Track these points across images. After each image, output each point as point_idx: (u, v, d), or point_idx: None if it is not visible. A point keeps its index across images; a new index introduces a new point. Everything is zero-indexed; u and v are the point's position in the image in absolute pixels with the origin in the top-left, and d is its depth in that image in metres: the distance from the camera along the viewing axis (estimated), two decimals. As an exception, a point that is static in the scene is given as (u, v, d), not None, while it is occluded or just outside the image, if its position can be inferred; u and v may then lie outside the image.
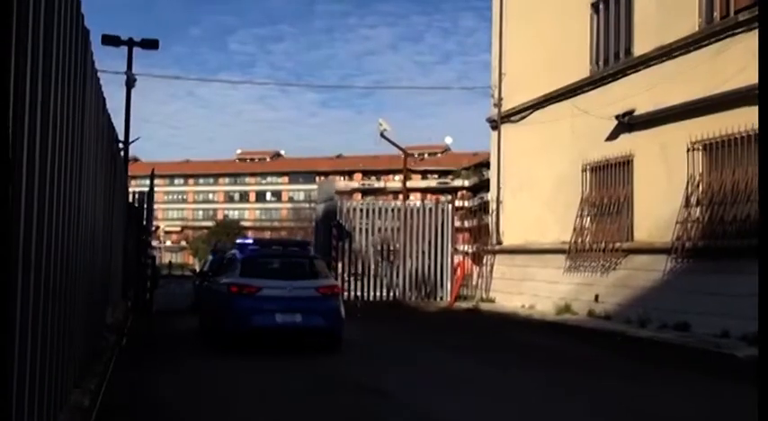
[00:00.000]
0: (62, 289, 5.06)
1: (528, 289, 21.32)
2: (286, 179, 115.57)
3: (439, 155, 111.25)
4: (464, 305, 22.56)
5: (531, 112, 23.02)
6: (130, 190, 20.13)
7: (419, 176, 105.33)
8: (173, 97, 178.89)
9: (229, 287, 12.12)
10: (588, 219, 19.45)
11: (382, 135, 31.14)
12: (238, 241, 14.61)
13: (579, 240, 19.50)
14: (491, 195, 25.46)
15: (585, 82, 20.21)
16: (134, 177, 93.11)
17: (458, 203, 28.19)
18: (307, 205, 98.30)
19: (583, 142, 19.95)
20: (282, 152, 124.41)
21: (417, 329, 16.44)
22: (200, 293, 16.16)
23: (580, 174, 19.91)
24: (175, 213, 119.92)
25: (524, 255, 22.27)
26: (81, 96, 5.79)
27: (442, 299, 23.21)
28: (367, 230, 23.51)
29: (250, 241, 14.21)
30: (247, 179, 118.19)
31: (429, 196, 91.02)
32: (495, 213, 24.56)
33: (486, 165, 73.98)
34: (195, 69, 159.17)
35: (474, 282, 24.78)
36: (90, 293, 7.44)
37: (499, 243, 24.18)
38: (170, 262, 61.19)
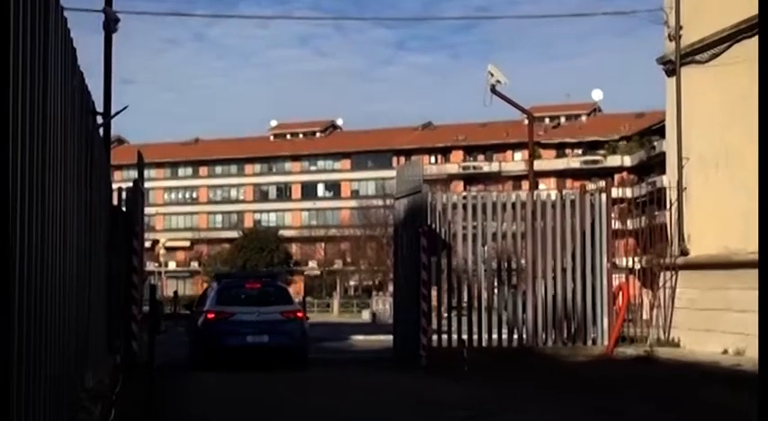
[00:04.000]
0: (24, 344, 5.18)
1: (732, 324, 20.88)
2: (347, 163, 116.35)
3: (583, 118, 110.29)
4: (630, 351, 22.23)
5: (729, 47, 22.55)
6: (115, 186, 20.55)
7: (553, 152, 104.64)
8: (172, 44, 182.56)
9: (207, 314, 21.84)
10: (827, 211, 18.92)
11: (493, 90, 30.95)
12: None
13: (813, 246, 18.98)
14: (668, 179, 25.03)
15: (816, -6, 19.65)
16: (119, 167, 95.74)
17: (615, 193, 27.84)
18: (380, 202, 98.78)
19: (814, 90, 19.42)
20: (340, 122, 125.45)
21: (565, 396, 16.20)
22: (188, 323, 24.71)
23: (811, 140, 19.40)
24: (182, 220, 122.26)
25: (725, 272, 21.83)
26: (41, 47, 5.92)
27: (594, 342, 22.96)
28: (474, 238, 23.43)
29: None
30: (288, 165, 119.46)
31: (570, 183, 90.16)
32: (675, 207, 24.14)
33: (659, 131, 72.92)
34: (204, 1, 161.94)
35: (645, 315, 24.38)
36: (61, 348, 7.60)
37: (683, 253, 23.75)
38: (175, 294, 62.30)
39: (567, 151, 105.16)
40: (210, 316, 21.76)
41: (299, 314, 22.47)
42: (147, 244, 71.67)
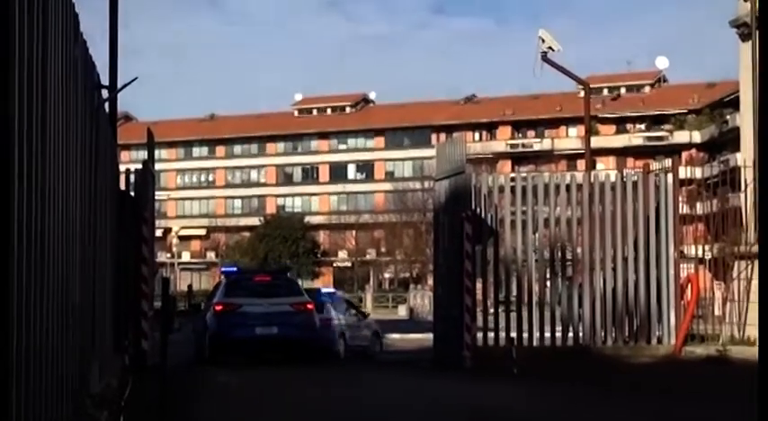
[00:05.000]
0: (23, 346, 5.21)
1: (816, 321, 20.75)
2: (381, 141, 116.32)
3: (646, 89, 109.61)
4: (700, 351, 22.12)
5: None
6: (122, 168, 20.65)
7: (612, 128, 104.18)
8: (182, 10, 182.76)
9: (215, 306, 24.06)
10: None
11: (545, 58, 30.82)
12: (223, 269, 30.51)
13: None
14: (743, 157, 24.85)
15: None
16: (126, 146, 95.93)
17: (683, 173, 27.64)
18: (418, 185, 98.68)
19: None
20: (372, 96, 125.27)
21: (628, 403, 16.11)
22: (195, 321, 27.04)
23: None
24: (196, 206, 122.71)
25: (807, 261, 21.68)
26: (40, 13, 5.93)
27: (659, 341, 22.87)
28: (524, 224, 23.37)
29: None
30: (315, 144, 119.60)
31: (631, 162, 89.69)
32: (751, 189, 23.96)
33: (732, 103, 72.29)
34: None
35: (717, 311, 24.24)
36: (64, 349, 7.64)
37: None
38: (190, 288, 62.60)
39: (629, 126, 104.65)
40: (219, 307, 23.89)
41: (310, 306, 24.35)
42: (159, 232, 72.08)
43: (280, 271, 30.97)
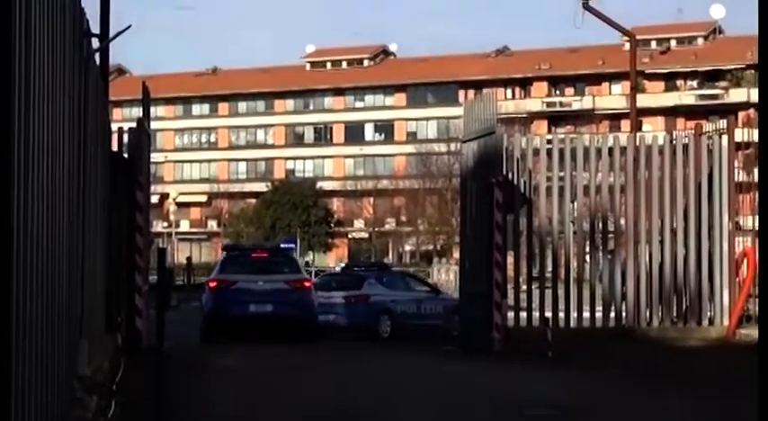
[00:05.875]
0: (5, 325, 5.23)
1: None
2: (402, 98, 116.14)
3: (699, 42, 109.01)
4: (755, 333, 22.06)
5: None
6: (115, 127, 20.67)
7: (660, 84, 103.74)
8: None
9: (209, 283, 26.40)
10: None
11: (586, 6, 30.72)
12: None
13: None
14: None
15: None
16: (119, 103, 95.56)
17: (739, 135, 27.49)
18: (442, 148, 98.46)
19: None
20: (393, 48, 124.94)
21: (676, 392, 16.08)
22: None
23: None
24: (197, 170, 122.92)
25: None
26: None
27: (711, 322, 22.84)
28: (561, 192, 23.34)
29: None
30: (328, 101, 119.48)
31: (682, 122, 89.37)
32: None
33: (795, 57, 71.89)
34: None
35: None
36: (50, 328, 7.67)
37: (825, 211, 23.55)
38: (189, 261, 62.77)
39: (679, 83, 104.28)
40: (212, 284, 26.08)
41: (307, 283, 26.55)
42: (155, 199, 72.23)
43: (278, 249, 33.18)
